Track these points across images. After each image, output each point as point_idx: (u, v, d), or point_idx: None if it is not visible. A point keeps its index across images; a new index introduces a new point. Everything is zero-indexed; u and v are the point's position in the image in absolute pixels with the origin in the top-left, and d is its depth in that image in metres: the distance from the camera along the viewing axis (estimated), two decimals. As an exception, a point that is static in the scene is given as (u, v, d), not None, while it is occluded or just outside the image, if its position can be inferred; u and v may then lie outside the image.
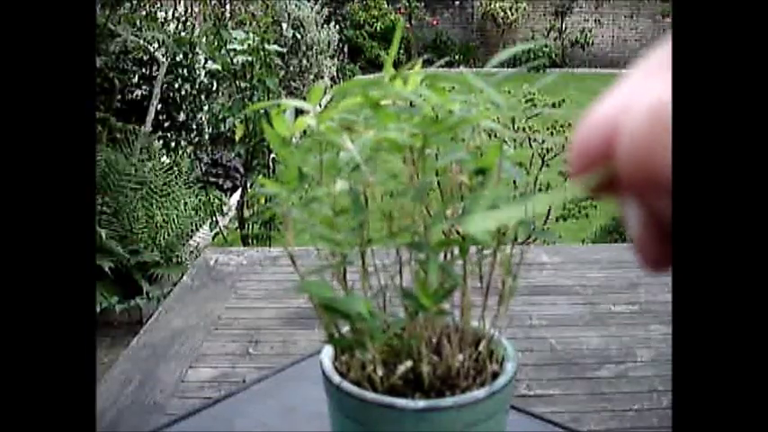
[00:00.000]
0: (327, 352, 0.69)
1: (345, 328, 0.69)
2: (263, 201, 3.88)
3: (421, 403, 0.62)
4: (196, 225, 4.50)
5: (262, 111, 3.69)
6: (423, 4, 12.78)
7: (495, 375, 0.68)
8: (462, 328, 0.69)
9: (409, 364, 0.66)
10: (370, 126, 0.61)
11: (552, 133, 3.71)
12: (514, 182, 0.65)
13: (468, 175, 0.63)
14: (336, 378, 0.65)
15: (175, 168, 4.45)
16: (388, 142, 0.61)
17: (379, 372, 0.66)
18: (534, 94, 3.01)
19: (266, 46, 3.71)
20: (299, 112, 0.67)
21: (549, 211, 3.90)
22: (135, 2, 4.74)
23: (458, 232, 0.64)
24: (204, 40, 4.26)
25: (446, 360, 0.68)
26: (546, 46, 12.34)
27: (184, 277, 2.32)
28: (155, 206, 4.13)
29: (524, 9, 12.76)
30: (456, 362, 0.67)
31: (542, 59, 11.79)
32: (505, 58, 0.61)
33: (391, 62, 0.62)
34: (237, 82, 3.78)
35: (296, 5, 8.78)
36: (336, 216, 0.64)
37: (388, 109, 0.61)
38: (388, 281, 0.67)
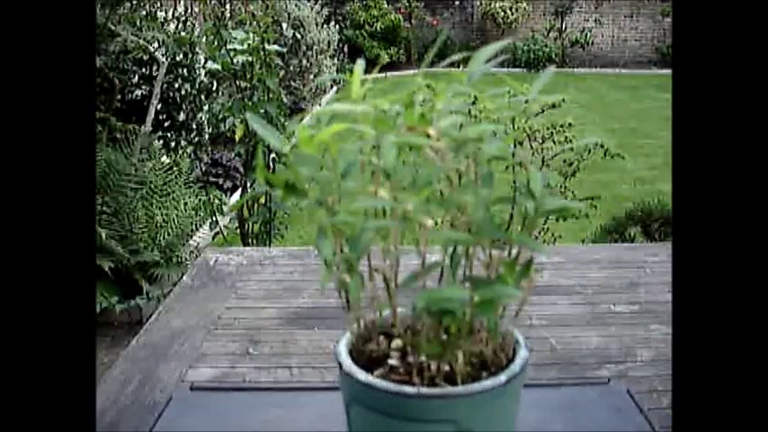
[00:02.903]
0: (346, 362, 0.69)
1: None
2: (262, 200, 3.88)
3: (486, 383, 0.65)
4: (196, 225, 4.49)
5: (262, 111, 3.68)
6: (423, 4, 12.77)
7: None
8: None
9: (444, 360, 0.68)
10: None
11: (552, 133, 3.70)
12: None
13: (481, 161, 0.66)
14: (377, 381, 0.66)
15: (175, 168, 4.44)
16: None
17: (414, 364, 0.67)
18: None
19: (266, 46, 3.71)
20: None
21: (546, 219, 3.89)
22: (135, 2, 4.74)
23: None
24: (204, 40, 4.25)
25: (479, 349, 0.70)
26: (546, 45, 12.33)
27: (184, 277, 2.32)
28: (155, 206, 4.12)
29: (524, 9, 12.75)
30: (489, 350, 0.70)
31: (540, 56, 11.79)
32: (491, 55, 0.63)
33: (428, 63, 0.65)
34: (237, 82, 3.77)
35: (296, 5, 8.77)
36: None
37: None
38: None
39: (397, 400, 0.64)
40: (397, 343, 0.72)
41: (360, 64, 0.71)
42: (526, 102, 0.68)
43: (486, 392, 0.65)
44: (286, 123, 4.02)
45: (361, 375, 0.67)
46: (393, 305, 0.72)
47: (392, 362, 0.69)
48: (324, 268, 0.65)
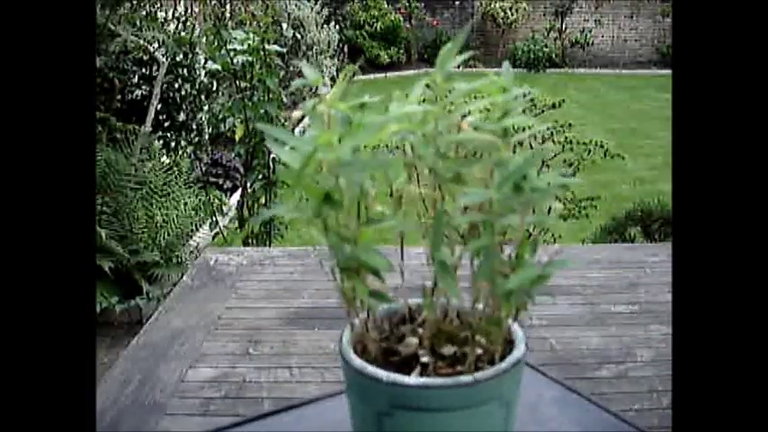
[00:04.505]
0: (382, 372, 0.68)
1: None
2: (262, 200, 3.88)
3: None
4: (196, 225, 4.49)
5: (262, 111, 3.68)
6: (423, 4, 12.77)
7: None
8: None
9: (466, 348, 0.70)
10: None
11: (552, 133, 3.70)
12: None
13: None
14: (431, 381, 0.67)
15: (175, 168, 4.44)
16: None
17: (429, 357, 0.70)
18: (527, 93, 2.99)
19: (266, 46, 3.71)
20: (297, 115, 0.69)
21: (549, 210, 3.89)
22: (135, 2, 4.74)
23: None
24: (204, 40, 4.25)
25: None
26: (546, 45, 12.33)
27: (184, 277, 2.32)
28: (155, 206, 4.12)
29: (524, 9, 12.75)
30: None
31: (540, 56, 11.78)
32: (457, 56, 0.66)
33: (446, 61, 0.69)
34: (237, 82, 3.77)
35: (296, 5, 8.77)
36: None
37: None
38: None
39: (454, 392, 0.65)
40: (412, 341, 0.72)
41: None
42: (531, 102, 0.69)
43: (519, 363, 0.69)
44: (286, 124, 4.02)
45: (411, 380, 0.66)
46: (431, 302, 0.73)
47: (425, 359, 0.70)
48: (375, 278, 0.68)
